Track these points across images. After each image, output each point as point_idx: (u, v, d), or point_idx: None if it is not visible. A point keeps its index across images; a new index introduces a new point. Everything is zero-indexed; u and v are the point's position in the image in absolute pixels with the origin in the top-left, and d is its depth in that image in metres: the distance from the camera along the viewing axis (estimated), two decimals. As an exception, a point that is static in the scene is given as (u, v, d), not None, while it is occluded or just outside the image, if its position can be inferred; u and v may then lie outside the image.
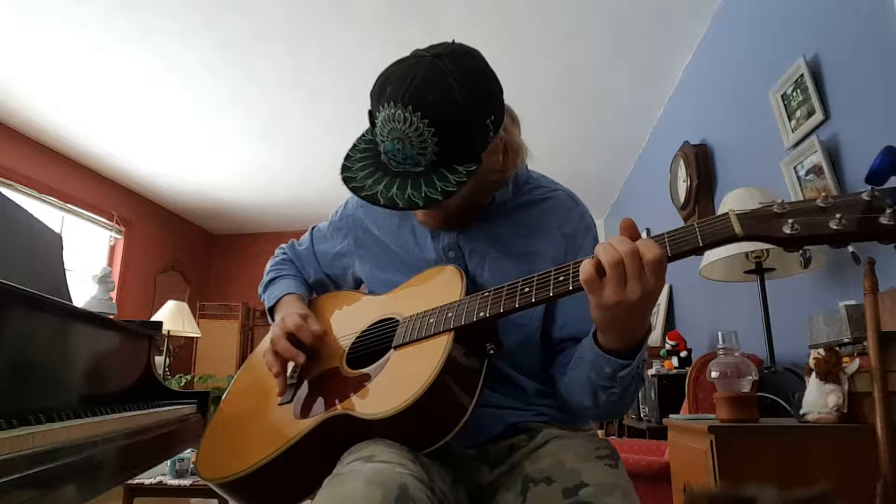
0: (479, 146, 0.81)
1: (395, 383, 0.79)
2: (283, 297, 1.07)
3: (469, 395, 0.77)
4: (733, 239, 0.63)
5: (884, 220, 0.56)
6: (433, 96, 0.76)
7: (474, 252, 0.94)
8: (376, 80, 0.82)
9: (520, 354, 0.90)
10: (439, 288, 0.88)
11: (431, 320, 0.82)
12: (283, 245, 1.20)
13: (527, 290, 0.75)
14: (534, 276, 0.76)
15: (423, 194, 0.77)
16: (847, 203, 0.59)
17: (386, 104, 0.78)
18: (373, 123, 0.83)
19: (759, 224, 0.62)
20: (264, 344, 1.10)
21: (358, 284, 1.11)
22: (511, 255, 0.93)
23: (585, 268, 0.67)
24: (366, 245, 1.05)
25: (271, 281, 1.13)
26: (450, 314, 0.80)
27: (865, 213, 0.58)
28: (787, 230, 0.60)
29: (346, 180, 0.83)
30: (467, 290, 0.84)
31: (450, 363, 0.75)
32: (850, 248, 0.60)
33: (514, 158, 0.91)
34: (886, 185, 0.59)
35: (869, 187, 0.59)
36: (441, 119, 0.76)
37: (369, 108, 0.83)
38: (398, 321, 0.89)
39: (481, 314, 0.77)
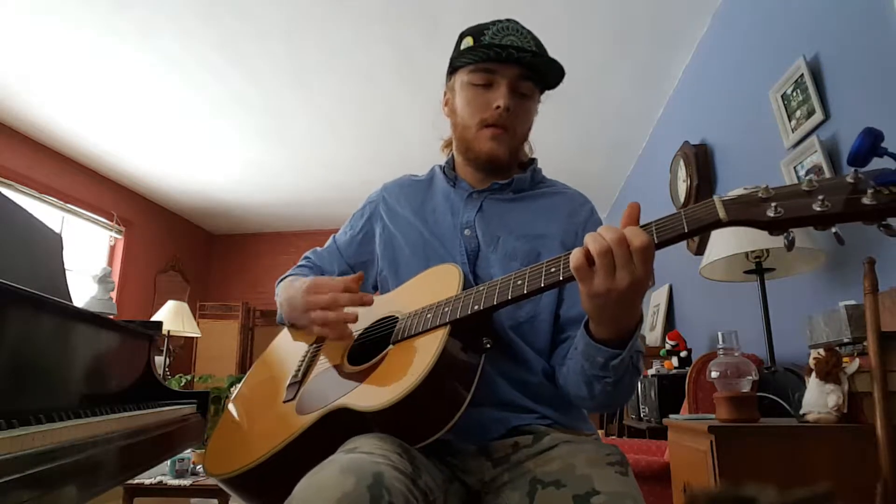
0: (557, 80, 1.02)
1: (392, 377, 0.80)
2: (285, 278, 1.11)
3: (465, 388, 0.78)
4: (718, 224, 0.64)
5: (866, 200, 0.57)
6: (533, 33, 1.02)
7: (487, 231, 0.99)
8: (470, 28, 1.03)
9: (529, 327, 0.93)
10: (438, 284, 0.90)
11: (429, 315, 0.84)
12: (307, 252, 1.23)
13: (519, 282, 0.77)
14: (526, 270, 0.78)
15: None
16: (831, 185, 0.60)
17: (499, 23, 1.00)
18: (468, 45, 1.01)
19: (743, 209, 0.63)
20: (276, 343, 1.13)
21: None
22: (522, 235, 0.98)
23: (575, 256, 0.69)
24: (384, 220, 1.10)
25: (282, 280, 1.15)
26: (446, 309, 0.82)
27: (849, 194, 0.58)
28: (770, 213, 0.61)
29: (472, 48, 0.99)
30: (466, 284, 0.87)
31: (445, 356, 0.76)
32: (834, 230, 0.60)
33: (528, 152, 1.13)
34: (869, 168, 0.59)
35: (852, 170, 0.60)
36: (538, 41, 1.00)
37: (465, 33, 1.03)
38: (398, 318, 0.91)
39: (476, 307, 0.79)
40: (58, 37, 3.06)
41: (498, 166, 1.02)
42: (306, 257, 1.21)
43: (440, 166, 1.11)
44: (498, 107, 0.97)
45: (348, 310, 0.92)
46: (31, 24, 2.96)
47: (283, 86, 3.56)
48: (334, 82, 3.50)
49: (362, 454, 0.69)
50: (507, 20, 1.00)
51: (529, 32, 0.99)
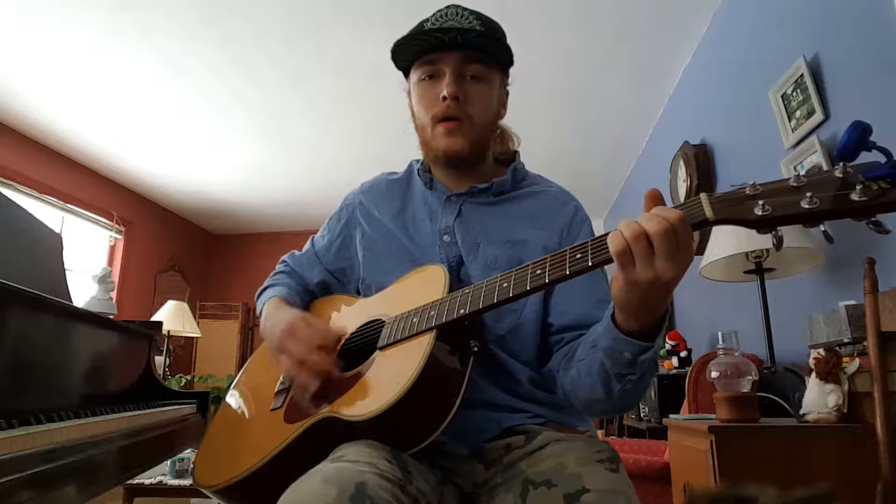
0: (507, 57, 0.98)
1: (379, 384, 0.79)
2: (266, 301, 1.05)
3: (454, 393, 0.76)
4: (705, 223, 0.61)
5: (855, 196, 0.55)
6: (482, 13, 0.96)
7: (467, 238, 0.95)
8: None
9: (512, 339, 0.90)
10: (424, 287, 0.88)
11: (415, 320, 0.82)
12: (283, 256, 1.19)
13: (505, 285, 0.75)
14: (512, 272, 0.75)
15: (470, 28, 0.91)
16: (819, 181, 0.58)
17: (439, 11, 0.94)
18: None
19: (730, 207, 0.61)
20: (264, 348, 1.10)
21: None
22: (503, 242, 0.94)
23: (616, 241, 0.64)
24: (362, 225, 1.05)
25: (262, 291, 1.12)
26: (432, 313, 0.80)
27: (837, 190, 0.56)
28: (758, 212, 0.59)
29: (396, 47, 0.95)
30: (451, 285, 0.84)
31: (431, 362, 0.75)
32: (822, 228, 0.58)
33: (510, 143, 1.07)
34: (858, 161, 0.57)
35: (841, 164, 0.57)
36: (486, 20, 0.94)
37: (406, 35, 0.95)
38: (384, 322, 0.89)
39: (461, 311, 0.77)
40: (58, 36, 3.06)
41: (460, 162, 0.96)
42: (283, 262, 1.17)
43: (419, 163, 1.05)
44: (444, 97, 0.90)
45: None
46: (31, 23, 2.95)
47: (283, 86, 3.56)
48: (334, 82, 3.50)
49: (347, 463, 0.68)
50: (448, 6, 0.94)
51: (473, 12, 0.93)
